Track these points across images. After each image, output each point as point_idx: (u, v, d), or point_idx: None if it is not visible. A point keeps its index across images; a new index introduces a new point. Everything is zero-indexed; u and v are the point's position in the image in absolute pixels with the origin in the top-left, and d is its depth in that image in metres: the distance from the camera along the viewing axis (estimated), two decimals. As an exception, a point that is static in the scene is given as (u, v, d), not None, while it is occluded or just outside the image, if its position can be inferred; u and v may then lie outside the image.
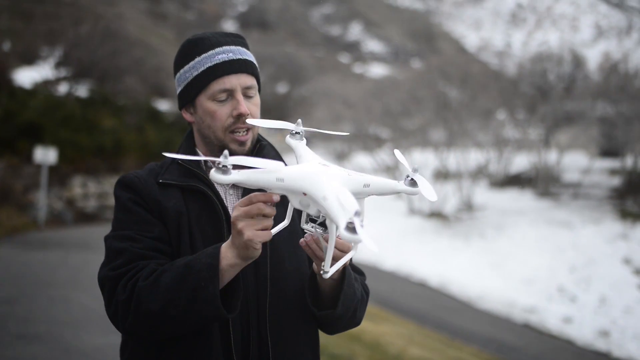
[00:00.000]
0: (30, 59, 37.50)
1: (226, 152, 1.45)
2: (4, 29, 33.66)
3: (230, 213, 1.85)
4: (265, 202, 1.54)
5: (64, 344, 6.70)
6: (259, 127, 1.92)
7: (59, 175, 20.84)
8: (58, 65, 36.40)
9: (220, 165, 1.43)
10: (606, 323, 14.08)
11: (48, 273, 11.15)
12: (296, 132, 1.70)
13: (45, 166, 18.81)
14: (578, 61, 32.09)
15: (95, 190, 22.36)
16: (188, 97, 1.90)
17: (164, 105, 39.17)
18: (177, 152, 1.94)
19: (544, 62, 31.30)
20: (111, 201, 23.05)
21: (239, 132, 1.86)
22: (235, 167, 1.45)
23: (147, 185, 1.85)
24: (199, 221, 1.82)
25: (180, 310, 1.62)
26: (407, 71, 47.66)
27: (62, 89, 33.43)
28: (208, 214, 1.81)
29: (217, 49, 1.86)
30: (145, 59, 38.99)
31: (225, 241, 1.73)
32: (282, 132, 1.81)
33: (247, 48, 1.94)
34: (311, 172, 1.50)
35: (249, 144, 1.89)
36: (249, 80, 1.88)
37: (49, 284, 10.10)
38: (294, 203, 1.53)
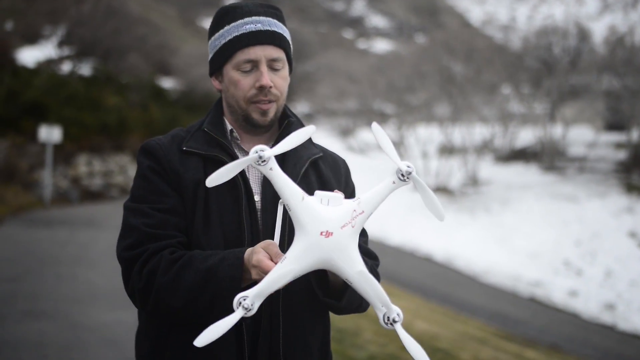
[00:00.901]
0: (33, 38, 37.44)
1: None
2: (7, 8, 33.56)
3: (253, 185, 1.85)
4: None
5: (71, 320, 6.74)
6: (283, 100, 1.90)
7: (63, 153, 20.88)
8: (61, 44, 36.34)
9: (243, 306, 1.49)
10: (611, 296, 14.11)
11: (54, 251, 11.20)
12: (262, 160, 1.56)
13: (50, 145, 18.82)
14: (583, 34, 31.82)
15: (101, 169, 22.38)
16: (216, 65, 1.90)
17: (168, 83, 39.14)
18: (206, 118, 1.94)
19: (549, 35, 31.08)
20: (116, 179, 23.21)
21: (262, 102, 1.84)
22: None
23: (167, 153, 1.85)
24: (218, 192, 1.80)
25: (200, 311, 1.67)
26: (411, 46, 47.39)
27: (66, 67, 33.41)
28: (227, 185, 1.79)
29: (247, 19, 1.85)
30: (148, 36, 38.89)
31: (242, 213, 1.78)
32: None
33: (281, 21, 1.91)
34: (323, 258, 1.51)
35: (271, 114, 1.86)
36: (276, 53, 1.85)
37: (55, 262, 10.14)
38: None
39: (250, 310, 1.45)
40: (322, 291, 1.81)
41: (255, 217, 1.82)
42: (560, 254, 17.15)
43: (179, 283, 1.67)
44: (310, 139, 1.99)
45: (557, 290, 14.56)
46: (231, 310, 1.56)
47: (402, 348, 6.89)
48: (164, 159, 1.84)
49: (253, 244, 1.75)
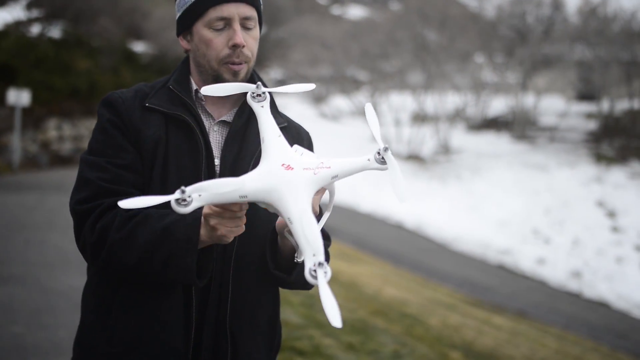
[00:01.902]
0: (1, 0, 36.63)
1: (183, 187, 1.40)
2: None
3: (213, 148, 1.82)
4: (237, 210, 1.52)
5: (40, 284, 6.71)
6: (254, 60, 1.87)
7: (33, 117, 20.59)
8: (30, 5, 35.60)
9: (180, 201, 1.38)
10: (578, 264, 14.35)
11: (23, 215, 11.09)
12: (257, 95, 1.61)
13: (19, 108, 18.55)
14: (557, 4, 31.89)
15: (71, 133, 22.13)
16: (185, 23, 1.84)
17: (140, 47, 38.59)
18: (171, 77, 1.90)
19: (523, 4, 31.10)
20: (86, 144, 22.87)
21: (234, 63, 1.80)
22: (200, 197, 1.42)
23: (129, 108, 1.80)
24: (178, 152, 1.77)
25: (153, 269, 1.63)
26: (386, 13, 47.15)
27: (35, 30, 32.76)
28: (189, 146, 1.77)
29: None
30: (120, -1, 38.23)
31: (201, 175, 1.74)
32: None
33: None
34: (275, 186, 1.46)
35: (242, 75, 1.82)
36: (249, 11, 1.80)
37: (24, 226, 10.06)
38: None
39: (185, 201, 1.37)
40: (273, 263, 1.81)
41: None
42: (530, 223, 17.37)
43: (133, 241, 1.63)
44: (276, 108, 1.96)
45: (526, 258, 14.77)
46: (186, 270, 1.60)
47: (372, 313, 6.96)
48: (125, 113, 1.79)
49: None
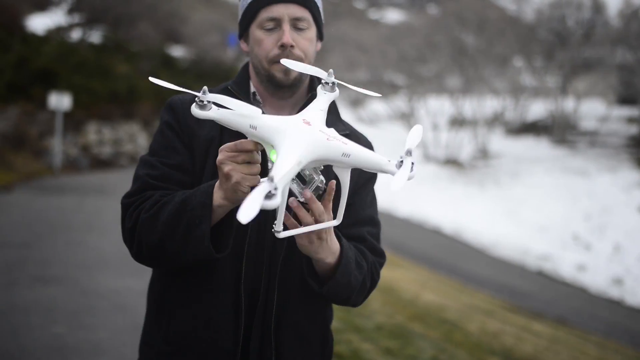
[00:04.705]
0: (42, 5, 37.28)
1: (205, 87, 1.42)
2: (16, -26, 33.37)
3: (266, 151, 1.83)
4: (251, 151, 1.50)
5: (80, 286, 6.78)
6: (308, 62, 1.86)
7: (73, 121, 20.86)
8: (71, 11, 36.18)
9: (199, 101, 1.40)
10: (620, 271, 14.11)
11: (64, 217, 11.24)
12: (326, 82, 1.61)
13: (60, 112, 18.82)
14: (598, 7, 31.50)
15: (110, 137, 22.39)
16: (243, 26, 1.89)
17: (178, 51, 38.96)
18: (233, 81, 1.93)
19: (563, 7, 30.75)
20: (126, 148, 23.23)
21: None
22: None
23: (186, 110, 1.82)
24: None
25: (175, 245, 1.63)
26: (423, 17, 46.97)
27: (75, 35, 33.28)
28: None
29: None
30: (158, 4, 38.64)
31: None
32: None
33: None
34: (284, 129, 1.43)
35: (294, 73, 1.83)
36: (299, 12, 1.81)
37: (65, 228, 10.19)
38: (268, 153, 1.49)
39: (202, 102, 1.42)
40: (308, 270, 1.77)
41: None
42: (569, 228, 17.13)
43: (157, 218, 1.64)
44: (339, 116, 2.00)
45: (566, 264, 14.56)
46: (201, 238, 1.58)
47: (410, 318, 6.90)
48: (182, 115, 1.83)
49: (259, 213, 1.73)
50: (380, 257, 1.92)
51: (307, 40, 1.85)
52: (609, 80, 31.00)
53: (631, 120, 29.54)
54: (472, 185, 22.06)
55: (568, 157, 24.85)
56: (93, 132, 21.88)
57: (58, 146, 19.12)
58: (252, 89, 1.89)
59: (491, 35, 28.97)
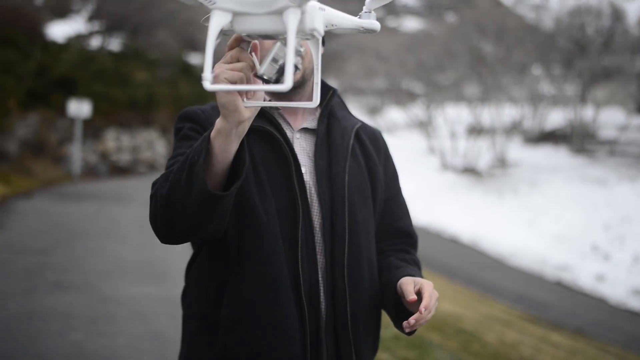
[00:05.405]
0: (62, 13, 37.57)
1: None
2: (37, -18, 33.71)
3: (298, 156, 1.84)
4: (237, 46, 1.44)
5: (99, 292, 6.81)
6: (309, 61, 1.85)
7: (92, 128, 21.02)
8: (90, 18, 36.46)
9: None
10: (640, 281, 13.97)
11: (83, 224, 11.31)
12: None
13: (79, 119, 18.97)
14: (617, 15, 31.26)
15: (129, 144, 22.52)
16: None
17: (196, 59, 39.12)
18: None
19: (582, 15, 30.55)
20: (144, 155, 23.32)
21: None
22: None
23: (209, 117, 1.82)
24: (264, 160, 1.79)
25: (183, 192, 1.54)
26: (442, 25, 46.92)
27: (95, 42, 33.53)
28: (274, 155, 1.78)
29: None
30: (177, 12, 38.84)
31: (293, 183, 1.77)
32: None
33: None
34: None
35: (296, 75, 1.80)
36: None
37: (84, 235, 10.25)
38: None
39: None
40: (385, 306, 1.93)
41: (303, 189, 1.80)
42: (589, 238, 16.99)
43: (170, 172, 1.61)
44: (348, 110, 2.04)
45: (585, 274, 14.43)
46: (204, 189, 1.49)
47: (427, 328, 6.85)
48: (206, 121, 1.81)
49: (304, 216, 1.77)
50: (419, 269, 2.07)
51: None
52: (628, 88, 30.78)
53: (651, 129, 29.31)
54: (490, 194, 21.95)
55: (587, 166, 24.68)
56: (112, 139, 22.03)
57: (77, 153, 19.27)
58: (266, 97, 1.89)
59: (510, 44, 28.84)
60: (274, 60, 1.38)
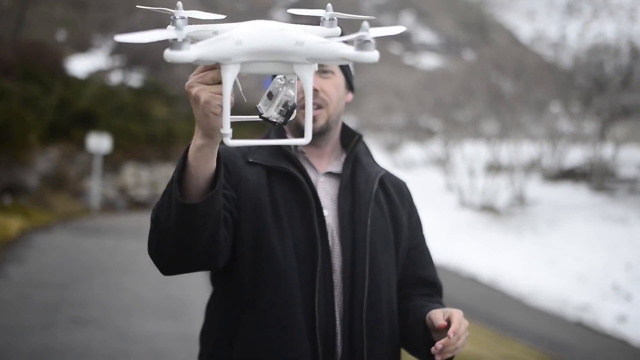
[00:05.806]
0: (84, 48, 38.17)
1: (179, 2, 1.41)
2: (59, 18, 34.28)
3: (321, 199, 1.83)
4: (218, 68, 1.37)
5: (117, 329, 6.79)
6: (334, 108, 1.87)
7: (111, 163, 21.16)
8: (111, 54, 36.99)
9: (173, 42, 1.27)
10: (662, 323, 13.76)
11: (102, 259, 11.32)
12: (324, 19, 1.54)
13: (99, 154, 19.11)
14: (636, 53, 31.24)
15: (147, 179, 22.64)
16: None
17: (215, 95, 39.53)
18: (270, 133, 1.91)
19: (601, 53, 30.58)
20: (162, 190, 23.30)
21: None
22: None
23: (232, 155, 1.82)
24: (285, 201, 1.78)
25: (164, 211, 1.52)
26: (460, 62, 47.20)
27: (115, 77, 34.00)
28: (295, 196, 1.77)
29: None
30: (197, 48, 39.42)
31: (314, 225, 1.76)
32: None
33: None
34: (264, 27, 1.29)
35: (320, 121, 1.84)
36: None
37: (103, 270, 10.25)
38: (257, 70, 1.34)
39: (176, 41, 1.28)
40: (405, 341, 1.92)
41: (324, 231, 1.78)
42: (609, 278, 16.79)
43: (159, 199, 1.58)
44: (373, 158, 2.03)
45: (606, 315, 14.23)
46: (178, 201, 1.46)
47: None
48: (228, 158, 1.79)
49: (324, 258, 1.75)
50: (439, 293, 2.09)
51: (334, 85, 1.86)
52: (648, 126, 30.69)
53: (671, 167, 29.13)
54: (509, 232, 21.81)
55: (607, 204, 24.49)
56: (130, 174, 22.16)
57: (96, 188, 19.38)
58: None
59: (528, 81, 28.88)
60: (283, 104, 1.37)
